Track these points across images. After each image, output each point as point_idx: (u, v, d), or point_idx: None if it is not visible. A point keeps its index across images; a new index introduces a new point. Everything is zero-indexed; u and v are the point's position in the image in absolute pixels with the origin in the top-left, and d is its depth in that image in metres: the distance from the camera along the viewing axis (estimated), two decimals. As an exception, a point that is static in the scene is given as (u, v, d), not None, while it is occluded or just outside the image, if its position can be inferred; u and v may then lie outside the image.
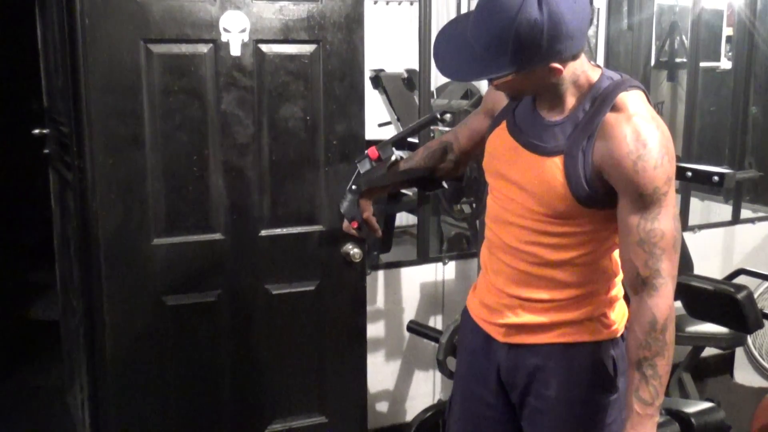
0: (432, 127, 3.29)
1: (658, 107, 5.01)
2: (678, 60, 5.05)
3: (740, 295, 2.35)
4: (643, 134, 1.50)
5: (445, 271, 3.29)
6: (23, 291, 4.99)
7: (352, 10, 2.46)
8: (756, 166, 4.13)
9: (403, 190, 2.26)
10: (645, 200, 1.51)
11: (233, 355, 2.54)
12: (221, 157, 2.40)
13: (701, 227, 3.87)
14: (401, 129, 5.08)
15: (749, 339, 3.78)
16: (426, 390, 3.36)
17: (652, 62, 5.06)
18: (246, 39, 2.36)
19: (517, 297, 1.71)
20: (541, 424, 1.75)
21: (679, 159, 3.62)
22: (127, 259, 2.36)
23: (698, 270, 3.15)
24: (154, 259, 2.39)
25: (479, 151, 1.87)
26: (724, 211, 4.06)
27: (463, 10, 6.55)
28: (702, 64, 3.83)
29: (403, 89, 4.97)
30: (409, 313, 3.24)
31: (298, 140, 2.48)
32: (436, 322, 3.30)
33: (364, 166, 1.98)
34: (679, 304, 2.52)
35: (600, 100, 1.57)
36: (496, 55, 1.46)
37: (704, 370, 3.87)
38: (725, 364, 3.99)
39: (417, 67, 3.25)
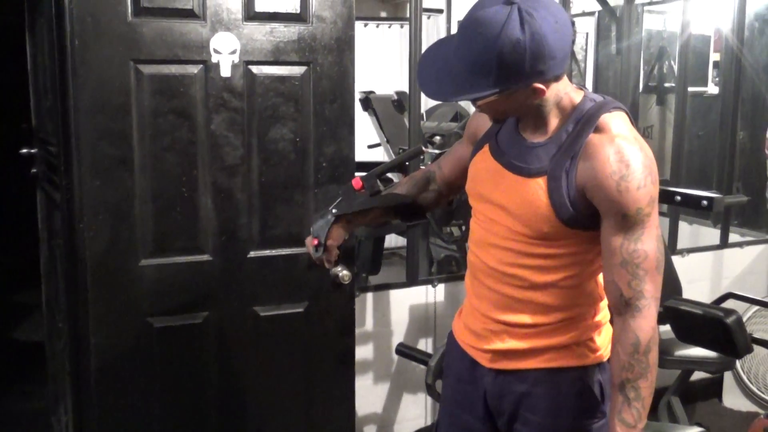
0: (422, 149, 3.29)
1: (647, 131, 5.04)
2: (666, 84, 5.09)
3: (729, 320, 2.35)
4: (626, 155, 1.51)
5: (434, 294, 3.29)
6: (8, 312, 4.95)
7: (343, 32, 2.48)
8: (743, 191, 4.15)
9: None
10: (628, 221, 1.51)
11: (220, 377, 2.52)
12: (210, 179, 2.40)
13: (690, 251, 3.88)
14: (391, 151, 5.10)
15: (738, 363, 3.78)
16: (415, 413, 3.34)
17: (641, 87, 5.10)
18: (236, 60, 2.37)
19: (503, 322, 1.70)
20: None
21: (667, 183, 3.65)
22: (114, 281, 2.35)
23: (687, 294, 3.16)
24: (141, 281, 2.37)
25: (463, 181, 1.85)
26: (713, 235, 4.08)
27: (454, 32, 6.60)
28: (690, 89, 3.85)
29: (392, 111, 4.99)
30: (398, 336, 3.23)
31: (288, 162, 2.48)
32: (426, 345, 3.29)
33: (347, 196, 1.96)
34: (668, 327, 2.52)
35: (583, 122, 1.58)
36: (480, 76, 1.47)
37: (693, 394, 3.87)
38: (714, 389, 3.99)
39: (407, 90, 3.26)
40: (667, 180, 3.81)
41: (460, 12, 6.53)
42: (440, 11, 6.08)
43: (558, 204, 1.56)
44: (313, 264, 1.96)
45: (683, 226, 4.03)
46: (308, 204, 2.52)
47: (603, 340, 1.72)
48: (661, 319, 2.90)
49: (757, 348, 2.64)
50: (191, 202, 2.39)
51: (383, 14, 6.75)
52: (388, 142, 5.18)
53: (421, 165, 3.21)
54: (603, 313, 1.74)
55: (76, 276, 2.34)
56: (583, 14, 5.23)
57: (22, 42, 3.22)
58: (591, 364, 1.70)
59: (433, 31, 6.11)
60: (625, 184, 1.50)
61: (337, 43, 2.48)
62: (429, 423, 3.31)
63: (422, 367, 2.90)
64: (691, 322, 2.47)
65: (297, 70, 2.44)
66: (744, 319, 2.76)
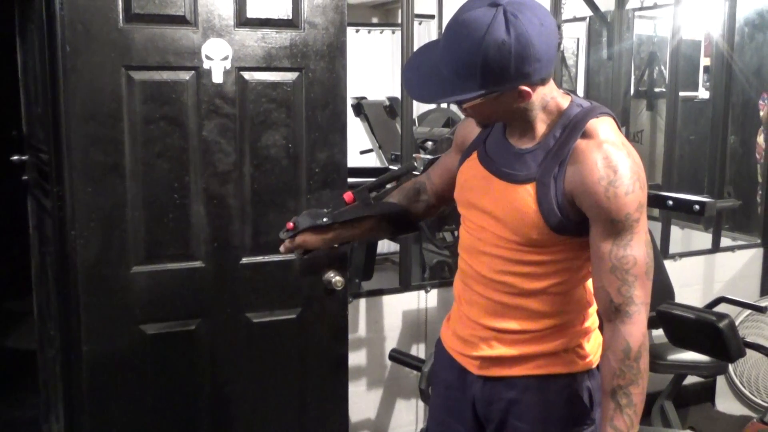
0: (414, 155, 3.30)
1: (637, 136, 5.06)
2: (657, 89, 5.11)
3: (722, 324, 2.35)
4: (613, 161, 1.51)
5: (427, 299, 3.29)
6: (-1, 320, 4.93)
7: (335, 38, 2.48)
8: (735, 195, 4.17)
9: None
10: (617, 227, 1.51)
11: (213, 384, 2.51)
12: (202, 185, 2.39)
13: (682, 255, 3.89)
14: (383, 156, 5.10)
15: (731, 367, 3.79)
16: (408, 419, 3.34)
17: (632, 92, 5.12)
18: (228, 66, 2.36)
19: (492, 328, 1.70)
20: None
21: (659, 188, 3.66)
22: (105, 288, 2.34)
23: (679, 298, 3.17)
24: (133, 288, 2.36)
25: (452, 191, 1.85)
26: (704, 239, 4.09)
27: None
28: (681, 94, 3.87)
29: (384, 117, 5.00)
30: (391, 342, 3.23)
31: (281, 168, 2.48)
32: (419, 350, 3.29)
33: (338, 208, 1.95)
34: (660, 332, 2.52)
35: (570, 127, 1.58)
36: (465, 78, 1.47)
37: (686, 398, 3.87)
38: (707, 393, 4.00)
39: (399, 95, 3.27)
40: (658, 185, 3.82)
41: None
42: (431, 17, 6.10)
43: (547, 210, 1.56)
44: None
45: (675, 231, 4.04)
46: (301, 210, 2.49)
47: (592, 347, 1.72)
48: (654, 324, 2.92)
49: (749, 352, 2.65)
50: (183, 208, 2.38)
51: (375, 20, 6.77)
52: (380, 147, 5.18)
53: (413, 172, 3.21)
54: (592, 320, 1.74)
55: (68, 283, 2.33)
56: (574, 19, 5.25)
57: (13, 48, 3.21)
58: (580, 370, 1.70)
59: (425, 36, 6.12)
60: (614, 190, 1.50)
61: (329, 49, 2.48)
62: (422, 428, 3.31)
63: (415, 372, 2.90)
64: (684, 326, 2.47)
65: (289, 76, 2.44)
66: (736, 323, 2.77)
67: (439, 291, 3.31)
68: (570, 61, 5.50)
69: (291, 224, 1.92)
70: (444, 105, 6.49)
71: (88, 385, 2.36)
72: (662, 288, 3.32)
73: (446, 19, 5.58)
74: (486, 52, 1.44)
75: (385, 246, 5.21)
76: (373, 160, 5.38)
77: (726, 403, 3.94)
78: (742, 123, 4.50)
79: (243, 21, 2.37)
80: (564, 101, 1.62)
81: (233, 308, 2.50)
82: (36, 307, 3.28)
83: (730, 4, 3.85)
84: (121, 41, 2.24)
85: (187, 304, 2.45)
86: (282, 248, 1.98)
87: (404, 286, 3.25)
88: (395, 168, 2.18)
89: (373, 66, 5.87)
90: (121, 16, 2.23)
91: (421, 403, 3.29)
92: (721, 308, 2.75)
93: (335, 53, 2.49)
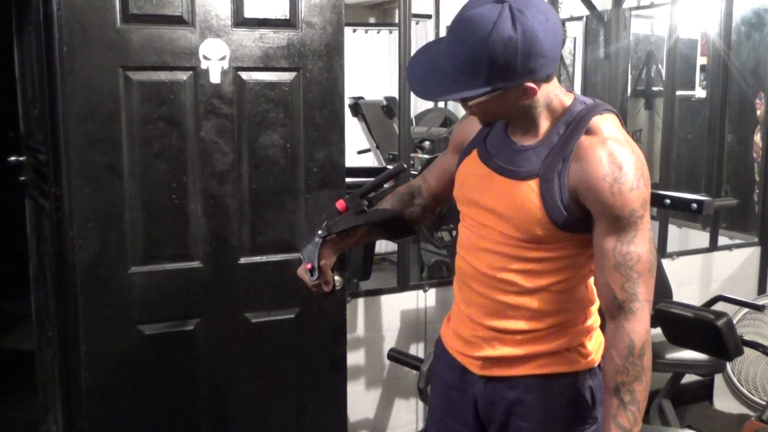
0: (412, 155, 3.31)
1: (635, 135, 5.06)
2: (654, 88, 5.11)
3: (720, 322, 2.36)
4: (618, 157, 1.52)
5: (425, 299, 3.29)
6: (-3, 321, 4.92)
7: (333, 38, 2.48)
8: (732, 194, 4.17)
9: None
10: (621, 223, 1.52)
11: (211, 384, 2.52)
12: (200, 185, 2.39)
13: (679, 254, 3.89)
14: (380, 156, 5.10)
15: (729, 366, 3.80)
16: (407, 419, 3.34)
17: (629, 91, 5.12)
18: (226, 66, 2.36)
19: (493, 328, 1.69)
20: None
21: (656, 186, 3.66)
22: (103, 288, 2.34)
23: (677, 297, 3.17)
24: (131, 288, 2.37)
25: (449, 193, 1.85)
26: (702, 238, 4.10)
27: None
28: (678, 93, 3.87)
29: (382, 117, 5.00)
30: (390, 341, 3.23)
31: (278, 168, 2.48)
32: (417, 349, 3.29)
33: (332, 218, 1.90)
34: (658, 331, 2.53)
35: (574, 124, 1.57)
36: (471, 75, 1.47)
37: (684, 397, 3.88)
38: (705, 392, 4.01)
39: (396, 95, 3.27)
40: (656, 183, 3.83)
41: (448, 17, 6.56)
42: (429, 17, 6.10)
43: (551, 207, 1.56)
44: (310, 292, 1.88)
45: (672, 230, 4.04)
46: (299, 210, 2.52)
47: (593, 345, 1.72)
48: (652, 322, 2.91)
49: (747, 350, 2.66)
50: (181, 208, 2.39)
51: (372, 20, 6.77)
52: (377, 147, 5.18)
53: (412, 171, 3.21)
54: (593, 318, 1.73)
55: (66, 284, 2.33)
56: (571, 19, 5.25)
57: (10, 49, 3.21)
58: (582, 369, 1.69)
59: (422, 36, 6.12)
60: (618, 186, 1.50)
61: (327, 49, 2.48)
62: (421, 428, 3.31)
63: (414, 372, 2.90)
64: (682, 325, 2.48)
65: (287, 76, 2.45)
66: (734, 322, 2.78)
67: (437, 290, 3.31)
68: (567, 61, 5.50)
69: (308, 264, 1.84)
70: (442, 104, 6.50)
71: (86, 386, 2.36)
72: (660, 287, 3.31)
73: (444, 18, 5.62)
74: (493, 48, 1.43)
75: (383, 246, 5.21)
76: (370, 160, 5.38)
77: (724, 402, 3.94)
78: (739, 122, 4.51)
79: (240, 21, 2.37)
80: (567, 99, 1.62)
81: (231, 308, 2.50)
82: (34, 307, 3.28)
83: (726, 3, 3.85)
84: (119, 42, 2.24)
85: (185, 305, 2.45)
86: (326, 288, 1.87)
87: (402, 286, 3.25)
88: (389, 186, 2.14)
89: (371, 66, 5.88)
90: (118, 17, 2.23)
91: (420, 403, 3.29)
92: (719, 307, 2.76)
93: (333, 53, 2.49)
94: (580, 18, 5.29)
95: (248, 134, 2.43)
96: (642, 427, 1.56)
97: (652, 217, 3.84)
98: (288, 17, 2.43)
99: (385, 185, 2.05)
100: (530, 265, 1.63)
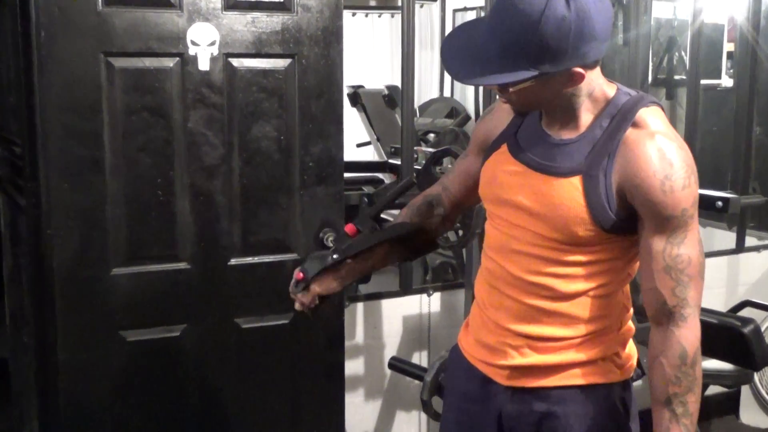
0: (415, 148, 3.31)
1: (656, 127, 5.06)
2: (677, 77, 5.12)
3: (747, 329, 2.36)
4: (668, 153, 1.52)
5: (429, 304, 3.30)
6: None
7: (330, 22, 2.49)
8: (761, 191, 4.17)
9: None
10: (672, 223, 1.52)
11: (200, 395, 2.52)
12: (188, 181, 2.40)
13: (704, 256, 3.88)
14: (381, 150, 5.11)
15: (756, 376, 3.80)
16: (409, 433, 3.35)
17: (650, 79, 5.12)
18: (215, 53, 2.37)
19: (525, 335, 1.67)
20: None
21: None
22: (84, 291, 2.35)
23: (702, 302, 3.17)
24: (113, 291, 2.37)
25: (474, 198, 1.84)
26: (728, 238, 4.10)
27: (448, 22, 6.62)
28: (702, 82, 3.87)
29: (383, 107, 5.00)
30: (391, 349, 3.24)
31: (272, 162, 2.48)
32: (420, 358, 3.30)
33: (342, 243, 1.85)
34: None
35: (619, 117, 1.57)
36: (516, 58, 1.45)
37: (708, 410, 3.88)
38: (731, 404, 4.01)
39: (399, 84, 3.27)
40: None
41: (454, 0, 6.55)
42: (433, 0, 6.10)
43: (596, 206, 1.55)
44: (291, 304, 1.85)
45: (696, 229, 4.03)
46: (293, 207, 2.53)
47: (627, 355, 1.72)
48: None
49: (776, 359, 2.66)
50: (167, 206, 2.39)
51: (372, 3, 6.78)
52: (378, 140, 5.19)
53: (415, 165, 3.22)
54: (628, 326, 1.74)
55: (43, 286, 2.34)
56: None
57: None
58: (617, 380, 1.69)
59: (426, 20, 6.13)
60: (670, 184, 1.50)
61: (324, 34, 2.48)
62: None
63: (417, 382, 2.90)
64: (706, 332, 2.49)
65: (281, 63, 2.45)
66: (762, 329, 2.78)
67: (442, 294, 3.32)
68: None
69: (300, 273, 1.81)
70: (448, 93, 6.49)
71: (64, 395, 2.37)
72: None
73: (449, 1, 5.59)
74: (544, 29, 1.42)
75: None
76: (370, 154, 5.38)
77: (751, 415, 3.95)
78: (768, 113, 4.51)
79: (231, 4, 2.38)
80: (610, 89, 1.61)
81: (221, 313, 2.51)
82: (8, 311, 3.28)
83: (755, -15, 3.86)
84: (101, 26, 2.25)
85: (172, 309, 2.45)
86: (297, 305, 1.86)
87: (405, 290, 3.25)
88: (390, 182, 2.10)
89: (371, 52, 5.89)
90: (100, -1, 2.24)
91: (423, 416, 3.30)
92: (746, 313, 2.76)
93: (330, 38, 2.49)
94: (597, 1, 5.28)
95: (239, 126, 2.43)
96: None
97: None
98: (282, 0, 2.43)
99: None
100: (568, 269, 1.62)
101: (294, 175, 2.52)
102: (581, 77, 1.51)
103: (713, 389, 3.45)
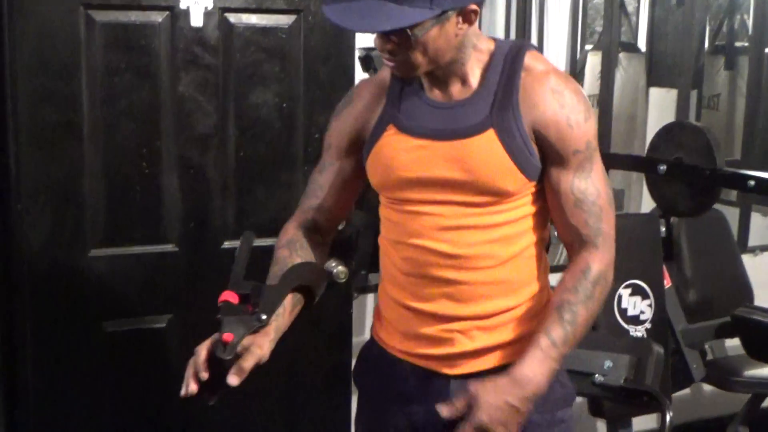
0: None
1: (713, 101, 5.01)
2: (738, 44, 5.06)
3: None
4: (565, 91, 1.71)
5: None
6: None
7: (341, -27, 2.45)
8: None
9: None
10: (578, 158, 1.71)
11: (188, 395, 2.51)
12: (177, 152, 2.40)
13: (763, 249, 3.85)
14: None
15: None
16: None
17: (707, 47, 5.07)
18: (210, 6, 2.36)
19: (472, 317, 1.75)
20: None
21: (738, 164, 3.62)
22: (57, 275, 2.35)
23: (759, 301, 3.14)
24: (90, 276, 2.37)
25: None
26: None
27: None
28: (767, 50, 3.82)
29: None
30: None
31: (272, 132, 2.48)
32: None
33: (231, 314, 1.68)
34: (736, 342, 2.50)
35: (509, 67, 1.72)
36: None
37: (765, 423, 3.85)
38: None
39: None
40: (737, 161, 3.78)
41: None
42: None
43: (519, 156, 1.69)
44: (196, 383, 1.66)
45: (756, 219, 3.99)
46: (296, 185, 2.51)
47: None
48: (729, 331, 2.90)
49: None
50: (153, 180, 2.39)
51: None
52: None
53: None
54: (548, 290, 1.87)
55: (11, 270, 2.34)
56: (638, -44, 5.19)
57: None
58: None
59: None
60: (575, 118, 1.69)
61: (334, -13, 2.45)
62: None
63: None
64: (765, 335, 2.46)
65: (284, 20, 2.44)
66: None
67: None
68: (630, 8, 5.43)
69: (229, 335, 1.63)
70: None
71: (34, 394, 2.38)
72: (739, 288, 3.29)
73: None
74: None
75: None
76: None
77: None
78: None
79: (229, -49, 2.36)
80: (488, 42, 1.75)
81: (212, 302, 2.45)
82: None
83: (831, -61, 3.80)
84: (79, -27, 2.23)
85: (157, 297, 2.46)
86: (233, 379, 1.65)
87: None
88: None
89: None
90: (78, -57, 2.22)
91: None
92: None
93: (341, -8, 2.46)
94: (648, -45, 5.23)
95: (236, 91, 2.43)
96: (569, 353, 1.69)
97: (731, 203, 3.81)
98: (287, -53, 2.42)
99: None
100: (502, 230, 1.74)
101: (297, 147, 2.51)
102: (476, 14, 1.64)
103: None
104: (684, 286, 3.19)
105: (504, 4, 3.49)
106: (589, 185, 1.72)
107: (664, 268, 2.98)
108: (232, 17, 2.39)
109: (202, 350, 1.64)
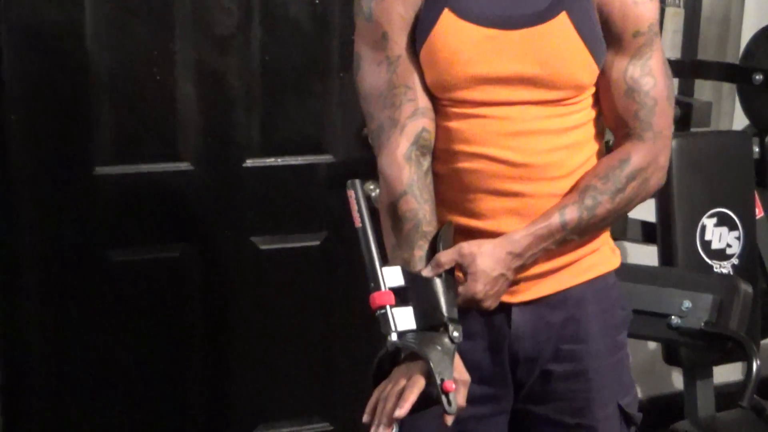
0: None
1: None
2: None
3: None
4: None
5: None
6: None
7: None
8: None
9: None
10: (638, 41, 1.70)
11: (204, 334, 2.54)
12: (193, 56, 2.39)
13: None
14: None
15: None
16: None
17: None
18: None
19: None
20: (579, 390, 1.80)
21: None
22: (58, 197, 2.35)
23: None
24: (96, 198, 2.38)
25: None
26: None
27: None
28: None
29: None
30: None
31: (303, 34, 2.46)
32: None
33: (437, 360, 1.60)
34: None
35: None
36: None
37: None
38: None
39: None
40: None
41: None
42: None
43: (591, 40, 1.68)
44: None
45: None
46: (331, 95, 2.51)
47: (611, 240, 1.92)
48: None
49: None
50: (165, 88, 2.38)
51: None
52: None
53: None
54: None
55: (5, 189, 2.33)
56: None
57: None
58: (616, 268, 1.88)
59: None
60: None
61: None
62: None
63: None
64: None
65: None
66: None
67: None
68: None
69: (450, 383, 1.57)
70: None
71: (34, 331, 2.40)
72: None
73: None
74: None
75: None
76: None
77: None
78: None
79: None
80: None
81: (233, 230, 2.51)
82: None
83: None
84: None
85: (170, 223, 2.47)
86: (449, 420, 1.62)
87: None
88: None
89: None
90: None
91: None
92: None
93: None
94: None
95: (261, -16, 2.41)
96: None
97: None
98: None
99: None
100: (571, 136, 1.75)
101: (332, 51, 2.50)
102: None
103: None
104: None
105: None
106: (645, 73, 1.72)
107: (756, 195, 2.92)
108: None
109: (411, 393, 1.55)
